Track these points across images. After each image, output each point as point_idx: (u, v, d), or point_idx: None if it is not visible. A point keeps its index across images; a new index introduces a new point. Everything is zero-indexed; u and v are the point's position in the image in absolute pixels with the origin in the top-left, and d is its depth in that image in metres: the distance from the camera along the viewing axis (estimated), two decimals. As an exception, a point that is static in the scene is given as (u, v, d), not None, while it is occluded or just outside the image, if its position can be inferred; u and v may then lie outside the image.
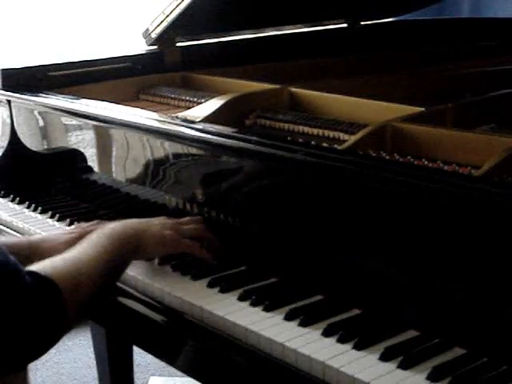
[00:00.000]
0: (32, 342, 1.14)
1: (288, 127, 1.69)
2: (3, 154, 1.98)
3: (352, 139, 1.50)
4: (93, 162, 1.79)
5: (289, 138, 1.60)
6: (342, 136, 1.58)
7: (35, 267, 1.19)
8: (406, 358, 1.09)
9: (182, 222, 1.45)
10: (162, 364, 2.63)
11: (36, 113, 1.93)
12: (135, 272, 1.40)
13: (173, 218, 1.47)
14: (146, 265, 1.43)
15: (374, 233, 1.24)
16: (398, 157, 1.44)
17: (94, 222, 1.54)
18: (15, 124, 1.96)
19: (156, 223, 1.41)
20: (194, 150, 1.52)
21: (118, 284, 1.39)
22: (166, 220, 1.44)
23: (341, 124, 1.61)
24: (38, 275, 1.16)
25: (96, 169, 1.79)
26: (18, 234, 1.70)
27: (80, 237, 1.47)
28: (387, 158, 1.44)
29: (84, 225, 1.54)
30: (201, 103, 1.80)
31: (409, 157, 1.43)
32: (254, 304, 1.27)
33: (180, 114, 1.64)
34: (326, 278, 1.30)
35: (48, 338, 1.17)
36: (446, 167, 1.37)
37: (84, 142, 1.80)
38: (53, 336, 1.18)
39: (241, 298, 1.29)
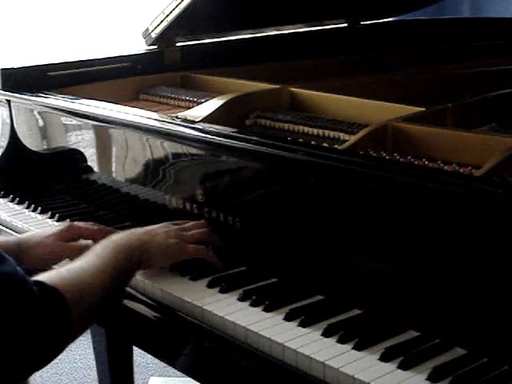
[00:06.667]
0: (36, 352, 1.14)
1: (288, 127, 1.68)
2: (3, 154, 1.98)
3: (352, 139, 1.49)
4: (92, 162, 1.79)
5: (289, 138, 1.60)
6: (342, 136, 1.58)
7: (42, 277, 1.19)
8: (406, 358, 1.09)
9: (186, 227, 1.45)
10: (162, 364, 2.63)
11: (36, 113, 1.92)
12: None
13: (176, 221, 1.47)
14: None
15: (375, 233, 1.24)
16: (398, 157, 1.43)
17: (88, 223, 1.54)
18: (15, 124, 1.96)
19: (160, 232, 1.40)
20: (194, 150, 1.52)
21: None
22: (169, 227, 1.43)
23: (341, 124, 1.61)
24: (44, 285, 1.16)
25: (96, 169, 1.79)
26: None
27: (68, 230, 1.49)
28: (387, 157, 1.43)
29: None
30: (201, 103, 1.79)
31: (409, 157, 1.43)
32: (253, 304, 1.27)
33: (180, 114, 1.64)
34: (326, 278, 1.30)
35: (52, 348, 1.18)
36: (446, 167, 1.37)
37: (84, 142, 1.80)
38: (57, 346, 1.18)
39: (241, 298, 1.29)
